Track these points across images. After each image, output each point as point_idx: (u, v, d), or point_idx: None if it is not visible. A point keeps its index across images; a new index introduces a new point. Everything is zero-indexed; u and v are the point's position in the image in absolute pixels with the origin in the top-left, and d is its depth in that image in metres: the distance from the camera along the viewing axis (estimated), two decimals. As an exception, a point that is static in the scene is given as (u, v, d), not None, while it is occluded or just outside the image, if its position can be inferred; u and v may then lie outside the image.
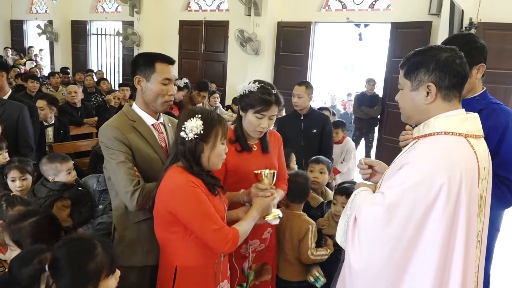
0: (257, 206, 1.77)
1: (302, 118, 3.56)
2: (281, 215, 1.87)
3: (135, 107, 1.91)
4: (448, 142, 1.33)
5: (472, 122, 1.39)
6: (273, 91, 1.96)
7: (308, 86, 3.58)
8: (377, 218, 1.30)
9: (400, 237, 1.27)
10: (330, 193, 2.82)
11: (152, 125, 1.91)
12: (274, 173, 1.85)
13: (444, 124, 1.35)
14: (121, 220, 1.87)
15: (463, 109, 1.41)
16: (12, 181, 2.41)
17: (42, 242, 1.64)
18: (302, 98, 3.51)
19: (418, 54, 1.42)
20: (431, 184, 1.26)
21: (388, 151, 6.10)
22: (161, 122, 1.95)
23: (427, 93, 1.37)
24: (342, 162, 4.30)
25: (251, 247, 2.10)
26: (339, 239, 1.51)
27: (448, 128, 1.34)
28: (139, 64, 1.85)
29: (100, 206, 2.44)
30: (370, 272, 1.32)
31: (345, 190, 2.32)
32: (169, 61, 1.88)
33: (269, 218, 1.83)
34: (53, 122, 4.32)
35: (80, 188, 2.51)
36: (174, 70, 1.92)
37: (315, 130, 3.52)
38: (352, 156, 4.37)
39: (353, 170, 4.37)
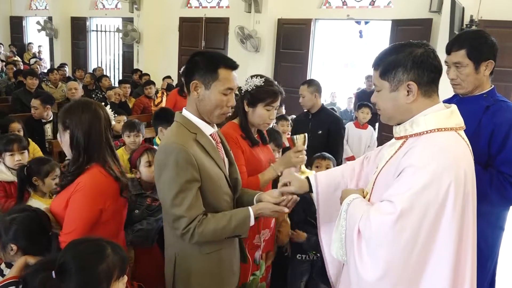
0: (282, 160, 1.99)
1: (310, 117, 3.52)
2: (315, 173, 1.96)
3: (189, 115, 1.65)
4: (445, 139, 1.31)
5: (457, 114, 1.38)
6: (275, 82, 2.07)
7: (310, 84, 3.52)
8: (391, 227, 1.26)
9: (415, 242, 1.25)
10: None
11: (210, 135, 1.68)
12: (305, 135, 2.00)
13: (434, 121, 1.33)
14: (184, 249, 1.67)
15: (442, 102, 1.39)
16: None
17: (34, 240, 1.63)
18: (305, 97, 3.48)
19: (391, 53, 1.38)
20: (439, 184, 1.24)
21: (388, 149, 6.08)
22: (216, 131, 1.75)
23: (408, 92, 1.34)
24: None
25: (263, 236, 2.16)
26: (335, 252, 1.47)
27: (439, 124, 1.33)
28: (198, 67, 1.58)
29: (137, 211, 2.27)
30: (387, 281, 1.28)
31: None
32: (234, 66, 1.63)
33: (302, 176, 1.88)
34: (51, 118, 4.31)
35: None
36: (237, 76, 1.67)
37: (320, 132, 3.42)
38: None
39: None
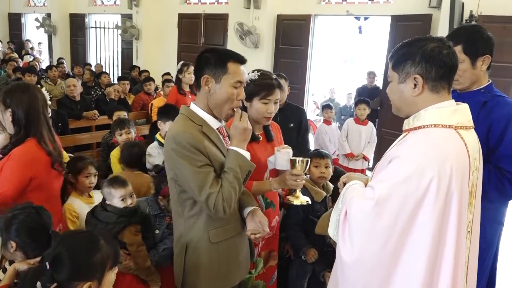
0: (279, 178, 1.91)
1: (278, 112, 3.45)
2: (310, 202, 1.93)
3: (196, 109, 1.69)
4: (438, 135, 1.32)
5: (462, 113, 1.37)
6: (272, 75, 2.04)
7: (286, 78, 3.48)
8: (367, 212, 1.30)
9: (391, 231, 1.27)
10: (332, 187, 2.81)
11: (217, 129, 1.72)
12: (307, 161, 1.89)
13: (433, 117, 1.34)
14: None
15: (453, 100, 1.40)
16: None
17: (34, 238, 1.65)
18: (284, 92, 3.27)
19: (405, 46, 1.40)
20: (420, 178, 1.25)
21: (388, 144, 6.06)
22: (223, 125, 1.79)
23: (414, 85, 1.36)
24: None
25: None
26: (331, 232, 1.51)
27: (438, 120, 1.33)
28: (209, 62, 1.64)
29: (157, 231, 2.24)
30: (361, 266, 1.32)
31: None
32: (242, 61, 1.69)
33: (295, 201, 1.89)
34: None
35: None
36: (245, 71, 1.72)
37: (292, 125, 3.38)
38: None
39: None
